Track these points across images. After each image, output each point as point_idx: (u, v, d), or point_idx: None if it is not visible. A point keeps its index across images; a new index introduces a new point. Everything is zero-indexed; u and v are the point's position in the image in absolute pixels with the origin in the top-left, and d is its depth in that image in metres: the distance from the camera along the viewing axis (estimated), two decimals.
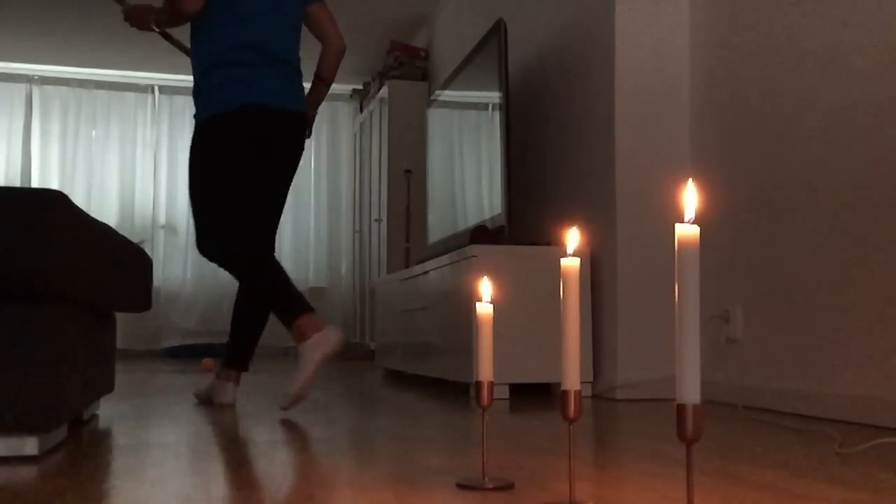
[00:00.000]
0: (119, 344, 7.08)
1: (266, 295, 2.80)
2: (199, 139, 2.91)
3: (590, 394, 3.32)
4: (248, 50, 2.86)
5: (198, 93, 2.93)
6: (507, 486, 1.42)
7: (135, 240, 6.44)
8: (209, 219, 2.88)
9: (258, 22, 2.88)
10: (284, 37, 2.94)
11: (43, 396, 1.70)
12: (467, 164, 4.36)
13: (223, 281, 7.06)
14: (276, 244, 3.04)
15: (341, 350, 2.71)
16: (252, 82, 2.84)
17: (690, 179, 0.94)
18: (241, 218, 2.86)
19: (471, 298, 3.21)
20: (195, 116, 2.94)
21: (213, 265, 2.91)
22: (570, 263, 1.22)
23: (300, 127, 2.96)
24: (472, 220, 4.09)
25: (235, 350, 3.01)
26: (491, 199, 3.81)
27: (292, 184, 3.04)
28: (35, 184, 7.19)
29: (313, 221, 7.72)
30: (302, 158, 3.02)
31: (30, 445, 1.72)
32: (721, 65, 3.12)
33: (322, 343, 2.61)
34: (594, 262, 3.39)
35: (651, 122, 3.29)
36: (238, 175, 2.85)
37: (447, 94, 4.61)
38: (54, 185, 7.18)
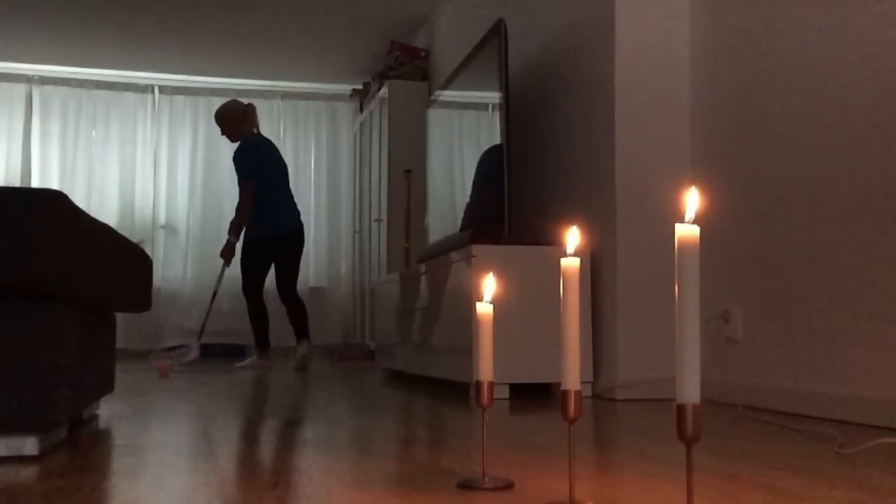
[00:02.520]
0: (119, 344, 7.06)
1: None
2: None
3: (590, 394, 3.32)
4: None
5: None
6: (507, 486, 1.42)
7: (135, 240, 6.45)
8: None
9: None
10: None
11: (43, 396, 1.70)
12: (467, 164, 4.35)
13: (223, 281, 7.07)
14: None
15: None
16: None
17: (693, 186, 0.94)
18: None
19: (471, 298, 3.21)
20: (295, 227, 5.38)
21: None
22: (570, 263, 1.22)
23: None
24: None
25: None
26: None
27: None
28: (35, 184, 7.19)
29: (313, 221, 7.71)
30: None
31: (30, 445, 1.72)
32: (721, 65, 3.12)
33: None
34: (594, 262, 3.39)
35: (651, 123, 3.29)
36: None
37: (447, 95, 4.61)
38: (54, 185, 7.18)
